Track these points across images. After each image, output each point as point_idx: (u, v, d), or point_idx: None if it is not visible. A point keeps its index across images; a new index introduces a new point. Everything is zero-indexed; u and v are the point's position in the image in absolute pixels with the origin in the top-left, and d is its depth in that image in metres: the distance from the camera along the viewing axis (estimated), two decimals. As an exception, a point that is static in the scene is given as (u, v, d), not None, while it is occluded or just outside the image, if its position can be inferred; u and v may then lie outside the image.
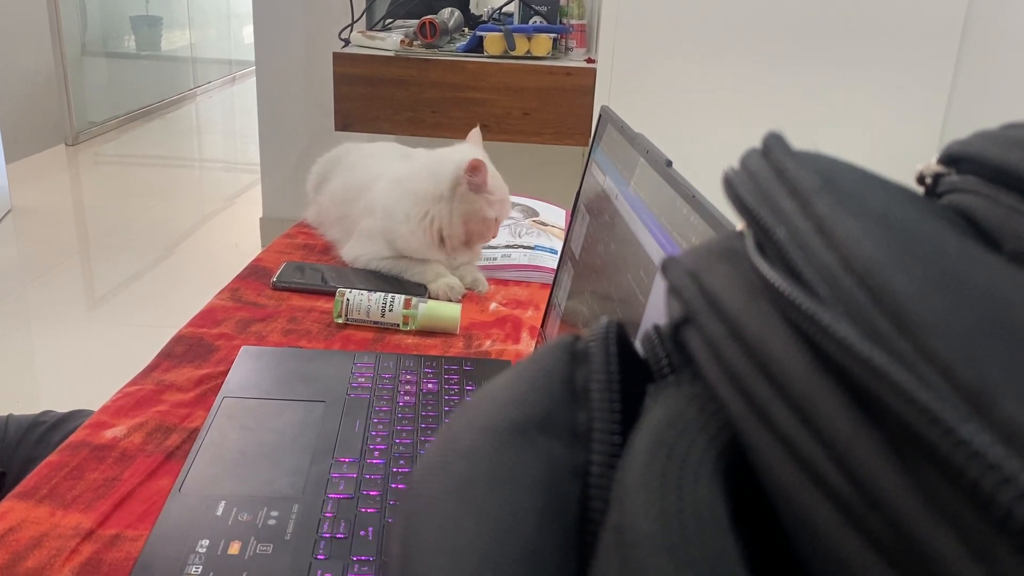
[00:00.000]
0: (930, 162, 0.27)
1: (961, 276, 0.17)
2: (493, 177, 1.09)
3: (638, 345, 0.26)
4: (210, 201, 3.79)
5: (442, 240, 1.10)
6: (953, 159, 0.26)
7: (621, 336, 0.24)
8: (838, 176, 0.21)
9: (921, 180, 0.28)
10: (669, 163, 0.61)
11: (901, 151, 2.05)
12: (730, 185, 0.24)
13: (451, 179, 1.07)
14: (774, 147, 0.23)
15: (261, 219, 3.10)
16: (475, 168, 1.05)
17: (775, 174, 0.21)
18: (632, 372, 0.23)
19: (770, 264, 0.19)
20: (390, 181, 1.12)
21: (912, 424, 0.14)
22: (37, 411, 0.95)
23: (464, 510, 0.18)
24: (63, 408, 1.02)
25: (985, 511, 0.13)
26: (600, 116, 0.83)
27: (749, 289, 0.19)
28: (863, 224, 0.18)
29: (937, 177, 0.27)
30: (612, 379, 0.21)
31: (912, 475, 0.14)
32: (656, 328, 0.25)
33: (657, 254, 0.59)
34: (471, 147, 1.15)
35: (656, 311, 0.57)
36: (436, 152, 1.13)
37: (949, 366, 0.14)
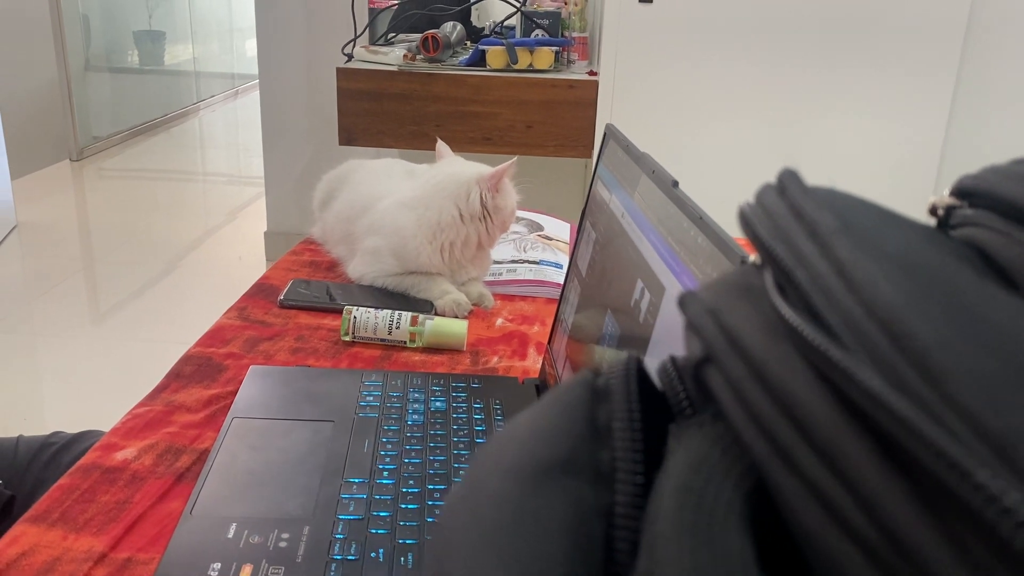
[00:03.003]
0: (943, 194, 0.28)
1: (982, 321, 0.17)
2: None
3: (655, 376, 0.26)
4: (214, 215, 3.81)
5: (462, 255, 1.12)
6: (965, 193, 0.26)
7: (641, 371, 0.25)
8: (856, 217, 0.21)
9: (934, 212, 0.28)
10: (675, 183, 0.61)
11: (907, 151, 2.05)
12: (747, 222, 0.24)
13: (478, 203, 1.10)
14: (790, 185, 0.23)
15: (266, 233, 3.11)
16: (497, 179, 1.10)
17: (793, 214, 0.21)
18: (652, 407, 0.24)
19: (791, 307, 0.19)
20: (397, 203, 1.12)
21: (942, 478, 0.14)
22: (43, 425, 0.96)
23: (492, 557, 0.18)
24: (70, 424, 1.03)
25: (1017, 568, 0.13)
26: (605, 134, 0.83)
27: (770, 330, 0.20)
28: (883, 268, 0.18)
29: (949, 209, 0.27)
30: (634, 418, 0.22)
31: (943, 527, 0.14)
32: (673, 360, 0.26)
33: (664, 274, 0.60)
34: (463, 159, 1.17)
35: (664, 333, 0.57)
36: (441, 174, 1.14)
37: (975, 416, 0.15)
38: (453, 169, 1.14)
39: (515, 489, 0.19)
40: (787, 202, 0.22)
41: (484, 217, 1.11)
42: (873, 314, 0.17)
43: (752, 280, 0.23)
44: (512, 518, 0.19)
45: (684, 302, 0.24)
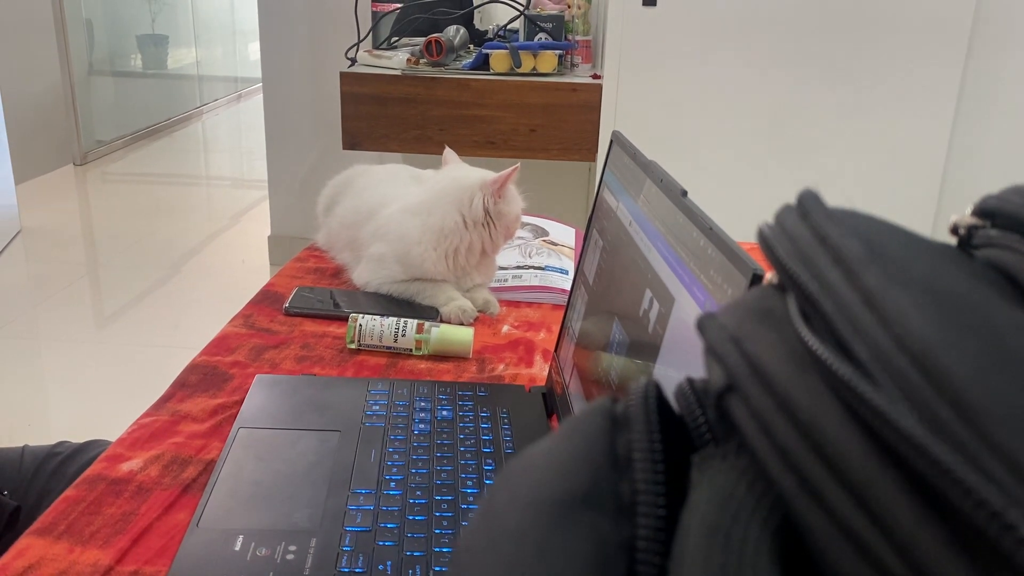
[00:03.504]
0: (965, 213, 0.27)
1: (1016, 353, 0.17)
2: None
3: (672, 399, 0.26)
4: (218, 219, 3.81)
5: (467, 261, 1.11)
6: (988, 213, 0.26)
7: (660, 397, 0.24)
8: (881, 242, 0.20)
9: (955, 231, 0.27)
10: (684, 192, 0.61)
11: (913, 153, 2.05)
12: (767, 246, 0.23)
13: (482, 206, 1.10)
14: (812, 209, 0.23)
15: (269, 237, 3.11)
16: (500, 185, 1.09)
17: (817, 240, 0.21)
18: (673, 434, 0.23)
19: (818, 337, 0.19)
20: (402, 210, 1.12)
21: (982, 527, 0.13)
22: (48, 430, 0.96)
23: (514, 596, 0.18)
24: (75, 429, 1.03)
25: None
26: (611, 141, 0.83)
27: (796, 360, 0.19)
28: (912, 297, 0.18)
29: (972, 229, 0.27)
30: (655, 448, 0.21)
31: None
32: (691, 383, 0.25)
33: (673, 284, 0.59)
34: (460, 168, 1.17)
35: (673, 343, 0.57)
36: (446, 180, 1.14)
37: (1015, 458, 0.14)
38: (457, 174, 1.14)
39: (534, 524, 0.19)
40: (810, 226, 0.22)
41: (487, 223, 1.11)
42: (904, 347, 0.17)
43: (773, 304, 0.23)
44: (532, 554, 0.18)
45: (704, 326, 0.24)
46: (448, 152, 1.21)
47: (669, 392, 0.25)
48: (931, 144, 2.05)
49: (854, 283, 0.19)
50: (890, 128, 2.04)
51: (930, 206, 2.07)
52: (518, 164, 1.12)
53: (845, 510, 0.16)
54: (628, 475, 0.21)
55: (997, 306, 0.19)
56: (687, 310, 0.56)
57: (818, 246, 0.21)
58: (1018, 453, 0.14)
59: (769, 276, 0.25)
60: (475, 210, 1.10)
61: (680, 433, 0.23)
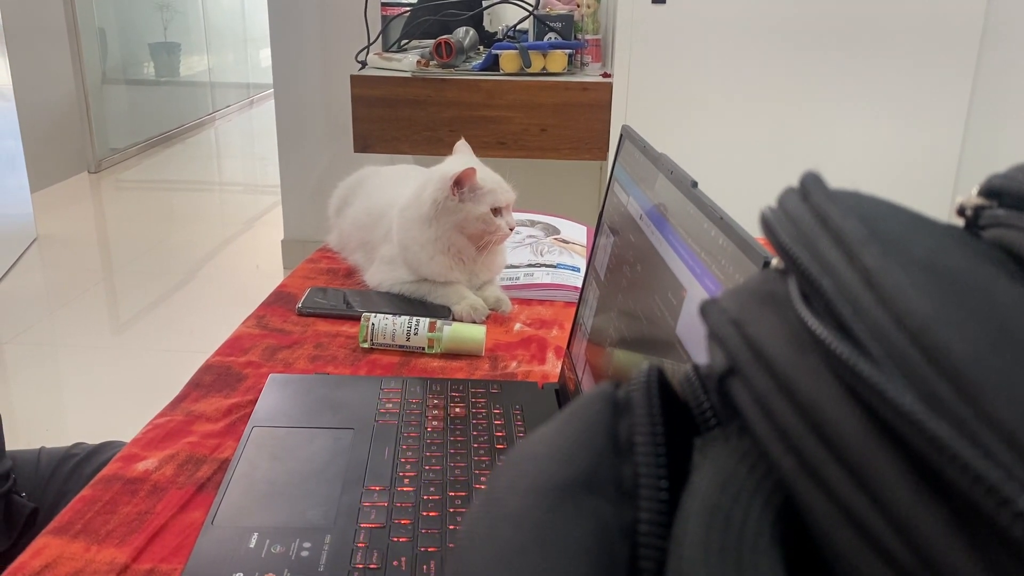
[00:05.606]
0: (971, 194, 0.27)
1: (1017, 330, 0.16)
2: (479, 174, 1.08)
3: (677, 386, 0.26)
4: (231, 224, 3.83)
5: (461, 258, 1.10)
6: (995, 192, 0.26)
7: (662, 382, 0.24)
8: (882, 222, 0.20)
9: (962, 212, 0.27)
10: (694, 184, 0.61)
11: (924, 153, 2.03)
12: (769, 228, 0.23)
13: (430, 201, 1.07)
14: (814, 190, 0.22)
15: (283, 241, 3.13)
16: (454, 181, 1.05)
17: (817, 221, 0.21)
18: (675, 419, 0.23)
19: (818, 318, 0.19)
20: (399, 208, 1.12)
21: (979, 503, 0.13)
22: (65, 434, 0.97)
23: (514, 578, 0.18)
24: (92, 434, 1.03)
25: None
26: (621, 136, 0.83)
27: (796, 341, 0.19)
28: (912, 276, 0.18)
29: (978, 210, 0.26)
30: (656, 431, 0.21)
31: (980, 553, 0.13)
32: (696, 369, 0.25)
33: (684, 276, 0.59)
34: (453, 159, 1.15)
35: (685, 335, 0.57)
36: (423, 175, 1.14)
37: (1013, 434, 0.14)
38: (438, 167, 1.12)
39: (535, 509, 0.19)
40: (811, 207, 0.22)
41: (443, 218, 1.07)
42: (903, 325, 0.17)
43: (775, 287, 0.23)
44: (532, 539, 0.18)
45: (706, 311, 0.24)
46: (459, 144, 1.19)
47: (676, 381, 0.25)
48: (944, 145, 2.03)
49: (854, 263, 0.19)
50: (902, 127, 2.02)
51: (943, 207, 2.05)
52: (473, 167, 1.06)
53: (844, 490, 0.16)
54: (630, 459, 0.21)
55: (1000, 285, 0.19)
56: (699, 301, 0.55)
57: (818, 227, 0.21)
58: (1017, 429, 0.14)
59: (775, 261, 0.25)
60: (423, 203, 1.08)
61: (684, 419, 0.23)
